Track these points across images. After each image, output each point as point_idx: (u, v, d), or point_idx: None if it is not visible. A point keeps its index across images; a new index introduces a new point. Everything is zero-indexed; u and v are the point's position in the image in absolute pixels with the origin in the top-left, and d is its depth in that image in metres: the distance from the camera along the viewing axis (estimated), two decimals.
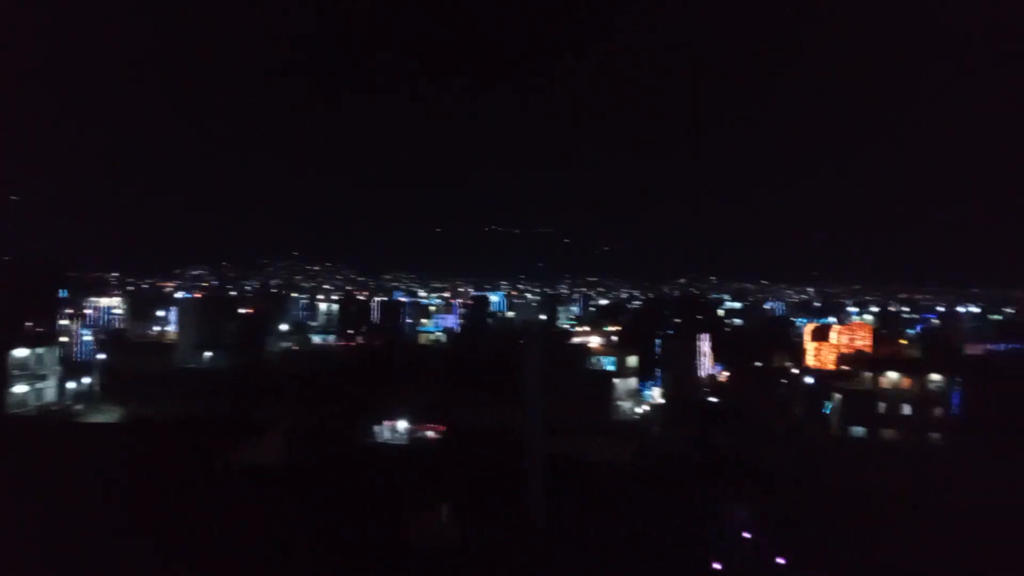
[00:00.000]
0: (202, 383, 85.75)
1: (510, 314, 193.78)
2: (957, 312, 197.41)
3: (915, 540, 32.37)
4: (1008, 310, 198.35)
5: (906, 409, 71.17)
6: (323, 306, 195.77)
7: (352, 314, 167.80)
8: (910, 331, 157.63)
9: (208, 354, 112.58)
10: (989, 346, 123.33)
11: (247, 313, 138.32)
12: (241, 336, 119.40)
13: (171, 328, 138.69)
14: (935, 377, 72.30)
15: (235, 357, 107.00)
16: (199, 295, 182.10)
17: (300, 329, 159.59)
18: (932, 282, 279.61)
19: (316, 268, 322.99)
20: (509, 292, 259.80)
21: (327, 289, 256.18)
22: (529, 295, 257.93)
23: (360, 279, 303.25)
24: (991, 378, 74.31)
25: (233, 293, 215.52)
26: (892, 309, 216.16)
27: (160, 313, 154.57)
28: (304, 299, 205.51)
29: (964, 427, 67.64)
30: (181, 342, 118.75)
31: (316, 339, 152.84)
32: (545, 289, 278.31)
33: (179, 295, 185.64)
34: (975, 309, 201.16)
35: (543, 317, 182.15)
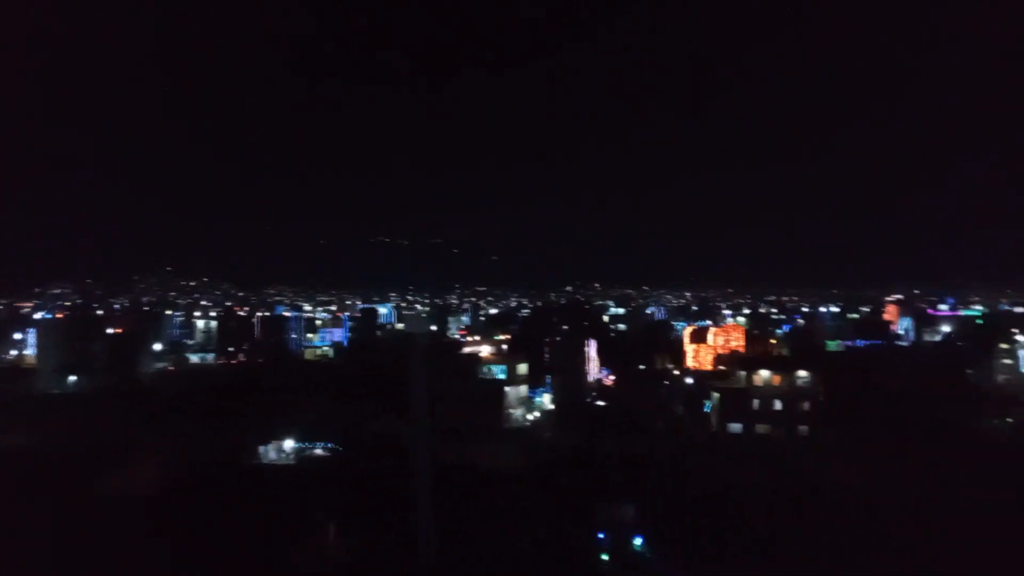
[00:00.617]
0: (66, 409, 79.68)
1: (400, 326, 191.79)
2: (819, 312, 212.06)
3: (787, 527, 34.37)
4: (864, 309, 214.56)
5: (777, 404, 75.55)
6: (200, 323, 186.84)
7: (232, 331, 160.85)
8: (779, 331, 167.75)
9: (73, 378, 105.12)
10: (848, 343, 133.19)
11: (116, 333, 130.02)
12: (109, 358, 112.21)
13: (30, 351, 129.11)
14: (802, 373, 77.19)
15: (103, 380, 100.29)
16: (61, 315, 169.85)
17: (176, 348, 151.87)
18: (797, 285, 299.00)
19: (192, 283, 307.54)
20: (398, 304, 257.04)
21: (205, 305, 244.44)
22: (419, 306, 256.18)
23: (240, 294, 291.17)
24: (850, 372, 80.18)
25: (99, 312, 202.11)
26: (762, 311, 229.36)
27: (17, 336, 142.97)
28: (179, 316, 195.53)
29: (828, 418, 72.58)
30: (41, 366, 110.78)
31: (194, 358, 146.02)
32: (435, 300, 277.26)
33: (38, 316, 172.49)
34: (835, 309, 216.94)
35: (433, 328, 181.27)
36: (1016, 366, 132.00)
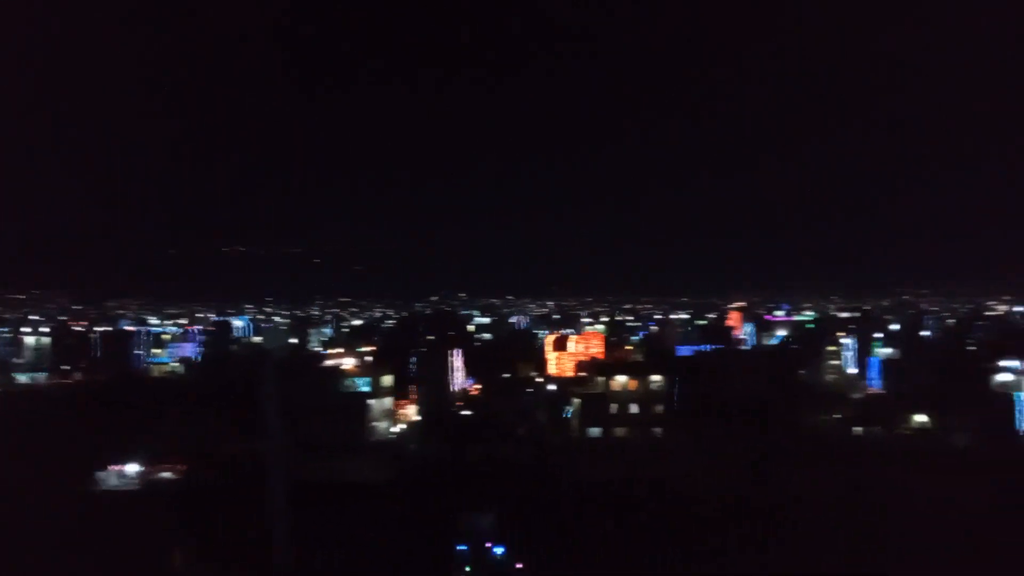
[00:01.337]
0: None
1: (257, 339, 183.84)
2: (670, 319, 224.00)
3: (644, 525, 35.99)
4: (710, 316, 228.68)
5: (634, 408, 78.92)
6: (30, 340, 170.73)
7: (68, 348, 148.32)
8: (634, 337, 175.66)
9: None
10: (697, 347, 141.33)
11: None
12: None
13: None
14: (655, 377, 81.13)
15: None
16: None
17: (1, 368, 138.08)
18: (651, 294, 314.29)
19: (21, 296, 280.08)
20: (255, 316, 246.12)
21: (35, 320, 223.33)
22: (278, 318, 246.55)
23: (77, 307, 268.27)
24: (698, 374, 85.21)
25: None
26: (619, 318, 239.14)
27: None
28: (5, 333, 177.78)
29: (680, 418, 76.70)
30: None
31: (22, 378, 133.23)
32: (295, 311, 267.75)
33: None
34: (684, 316, 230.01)
35: (293, 340, 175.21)
36: (842, 365, 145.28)
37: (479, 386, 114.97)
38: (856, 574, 32.99)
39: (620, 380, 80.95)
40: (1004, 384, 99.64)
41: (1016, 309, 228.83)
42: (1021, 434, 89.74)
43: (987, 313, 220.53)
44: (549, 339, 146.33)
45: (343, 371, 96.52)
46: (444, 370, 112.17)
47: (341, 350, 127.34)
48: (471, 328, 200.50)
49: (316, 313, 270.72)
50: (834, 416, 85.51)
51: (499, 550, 33.26)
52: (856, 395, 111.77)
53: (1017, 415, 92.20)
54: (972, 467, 55.64)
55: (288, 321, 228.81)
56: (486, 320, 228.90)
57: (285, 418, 46.59)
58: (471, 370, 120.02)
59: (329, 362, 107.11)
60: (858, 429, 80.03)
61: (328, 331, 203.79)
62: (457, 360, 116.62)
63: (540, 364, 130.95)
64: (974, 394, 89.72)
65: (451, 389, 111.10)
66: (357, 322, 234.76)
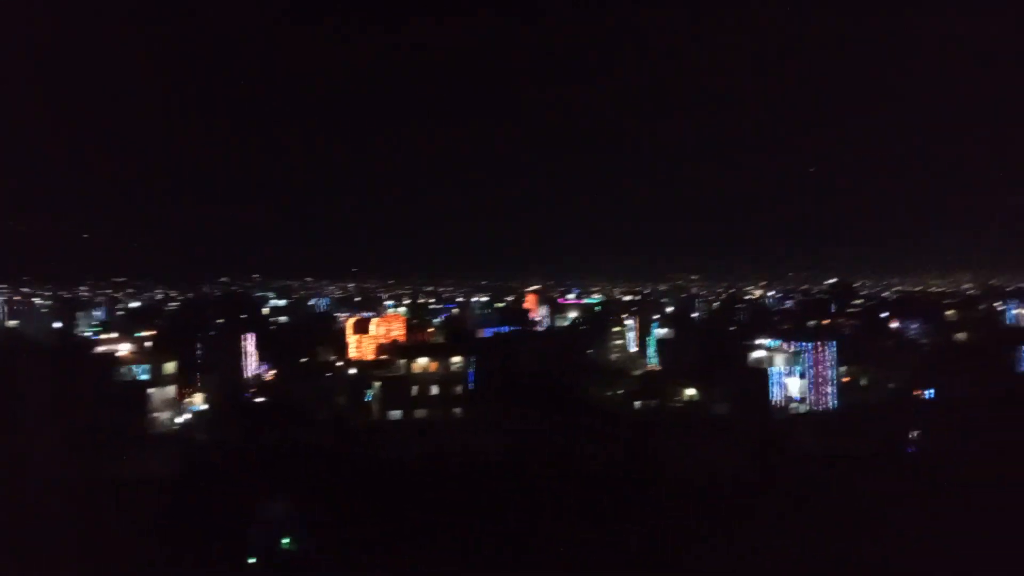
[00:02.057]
0: None
1: (13, 323, 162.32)
2: (470, 302, 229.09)
3: (446, 503, 36.60)
4: (508, 299, 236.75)
5: (434, 390, 79.86)
6: None
7: None
8: (436, 320, 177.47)
9: None
10: (495, 329, 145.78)
11: None
12: None
13: None
14: (456, 359, 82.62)
15: None
16: None
17: None
18: (452, 276, 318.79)
19: None
20: (11, 297, 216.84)
21: None
22: (38, 299, 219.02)
23: None
24: (496, 355, 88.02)
25: None
26: (421, 301, 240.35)
27: None
28: None
29: (479, 398, 78.85)
30: None
31: None
32: (60, 293, 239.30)
33: None
34: (484, 298, 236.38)
35: (58, 325, 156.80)
36: (625, 345, 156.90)
37: (274, 371, 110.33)
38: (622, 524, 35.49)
39: (421, 362, 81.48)
40: (759, 360, 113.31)
41: (770, 294, 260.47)
42: (773, 403, 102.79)
43: (746, 297, 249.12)
44: (349, 322, 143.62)
45: (117, 358, 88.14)
46: (235, 355, 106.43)
47: (116, 335, 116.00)
48: (266, 311, 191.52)
49: (85, 294, 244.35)
50: (618, 391, 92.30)
51: (288, 539, 32.37)
52: (637, 371, 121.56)
53: (770, 387, 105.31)
54: (729, 433, 62.74)
55: (51, 303, 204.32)
56: (282, 303, 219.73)
57: (46, 412, 41.76)
58: (265, 355, 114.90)
59: (101, 348, 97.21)
60: (637, 402, 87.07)
61: (100, 314, 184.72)
62: (250, 345, 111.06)
63: (340, 348, 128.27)
64: (734, 369, 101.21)
65: (243, 375, 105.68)
66: (135, 304, 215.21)
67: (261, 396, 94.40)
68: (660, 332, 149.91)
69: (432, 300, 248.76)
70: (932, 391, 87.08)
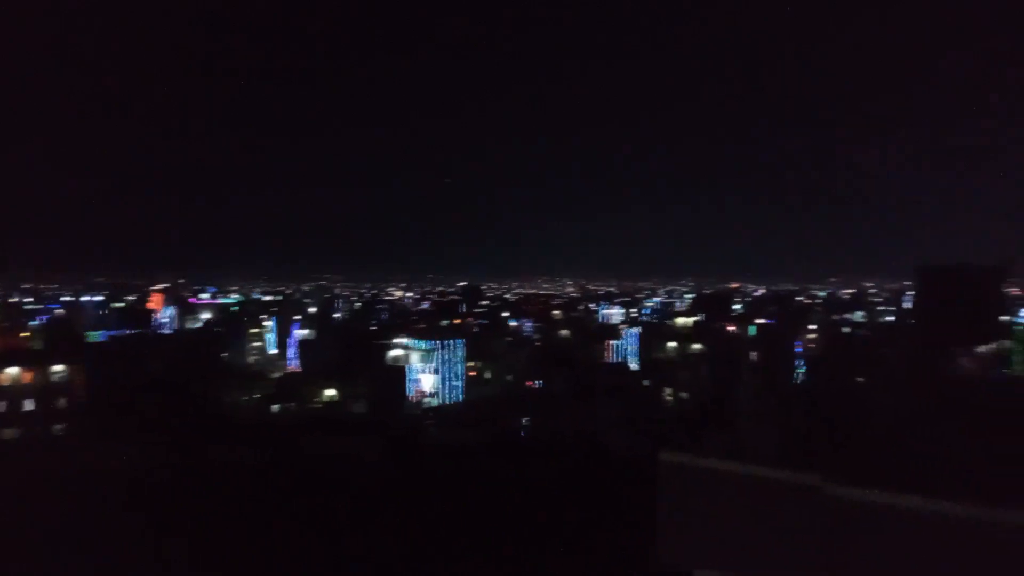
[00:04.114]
0: None
1: None
2: (81, 301, 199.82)
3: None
4: (130, 298, 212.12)
5: (29, 404, 68.39)
6: None
7: None
8: (33, 323, 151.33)
9: None
10: (112, 332, 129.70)
11: None
12: None
13: None
14: (58, 367, 71.73)
15: None
16: None
17: None
18: (63, 271, 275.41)
19: None
20: None
21: None
22: None
23: None
24: (112, 361, 78.53)
25: None
26: (15, 300, 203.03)
27: None
28: None
29: (89, 412, 69.51)
30: None
31: None
32: None
33: None
34: (100, 298, 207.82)
35: None
36: (264, 347, 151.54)
37: None
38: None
39: (11, 372, 69.15)
40: (397, 358, 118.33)
41: (409, 295, 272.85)
42: (408, 398, 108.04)
43: (386, 297, 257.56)
44: None
45: None
46: None
47: None
48: None
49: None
50: (254, 395, 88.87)
51: None
52: (276, 374, 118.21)
53: (406, 383, 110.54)
54: (364, 429, 64.64)
55: None
56: None
57: None
58: None
59: None
60: (276, 406, 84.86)
61: None
62: None
63: None
64: (372, 368, 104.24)
65: None
66: None
67: None
68: (301, 333, 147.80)
69: (30, 299, 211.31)
70: (540, 382, 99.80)
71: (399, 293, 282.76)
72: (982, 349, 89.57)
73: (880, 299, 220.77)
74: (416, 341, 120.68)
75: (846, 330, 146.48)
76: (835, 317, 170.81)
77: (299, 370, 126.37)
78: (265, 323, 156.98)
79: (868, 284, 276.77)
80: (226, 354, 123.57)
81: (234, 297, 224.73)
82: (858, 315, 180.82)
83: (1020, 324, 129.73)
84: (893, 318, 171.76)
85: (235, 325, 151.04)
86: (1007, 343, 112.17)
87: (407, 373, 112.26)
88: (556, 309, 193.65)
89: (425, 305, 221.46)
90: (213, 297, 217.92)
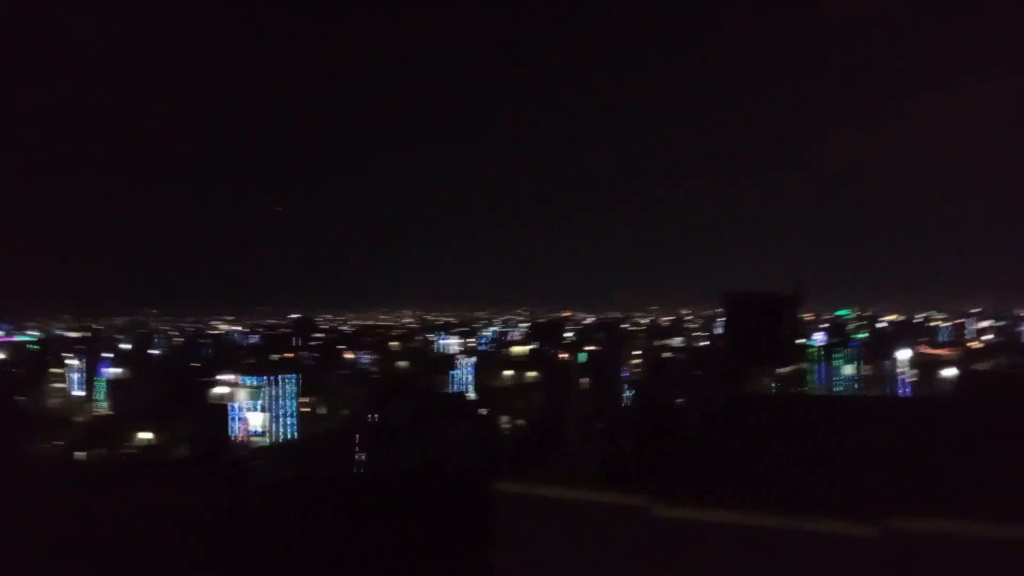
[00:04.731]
0: None
1: None
2: None
3: None
4: None
5: None
6: None
7: None
8: None
9: None
10: None
11: None
12: None
13: None
14: None
15: None
16: None
17: None
18: None
19: None
20: None
21: None
22: None
23: None
24: None
25: None
26: None
27: None
28: None
29: None
30: None
31: None
32: None
33: None
34: None
35: None
36: (68, 388, 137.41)
37: None
38: None
39: None
40: (222, 396, 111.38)
41: (236, 328, 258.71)
42: (234, 439, 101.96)
43: (211, 331, 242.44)
44: None
45: None
46: None
47: None
48: None
49: None
50: (55, 442, 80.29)
51: None
52: (82, 418, 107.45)
53: (232, 423, 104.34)
54: (182, 473, 60.18)
55: None
56: None
57: None
58: None
59: None
60: (81, 453, 77.10)
61: None
62: None
63: None
64: (194, 408, 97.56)
65: None
66: None
67: None
68: (112, 372, 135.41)
69: None
70: (377, 415, 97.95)
71: (225, 327, 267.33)
72: (782, 370, 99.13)
73: (696, 325, 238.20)
74: (244, 377, 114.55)
75: (667, 355, 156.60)
76: (656, 343, 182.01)
77: (110, 413, 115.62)
78: (70, 362, 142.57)
79: (685, 311, 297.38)
80: (22, 398, 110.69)
81: (33, 334, 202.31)
82: (677, 340, 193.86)
83: (813, 347, 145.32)
84: (707, 342, 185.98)
85: (33, 365, 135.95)
86: (803, 364, 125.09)
87: (233, 412, 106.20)
88: (394, 340, 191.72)
89: (254, 339, 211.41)
90: (8, 334, 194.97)
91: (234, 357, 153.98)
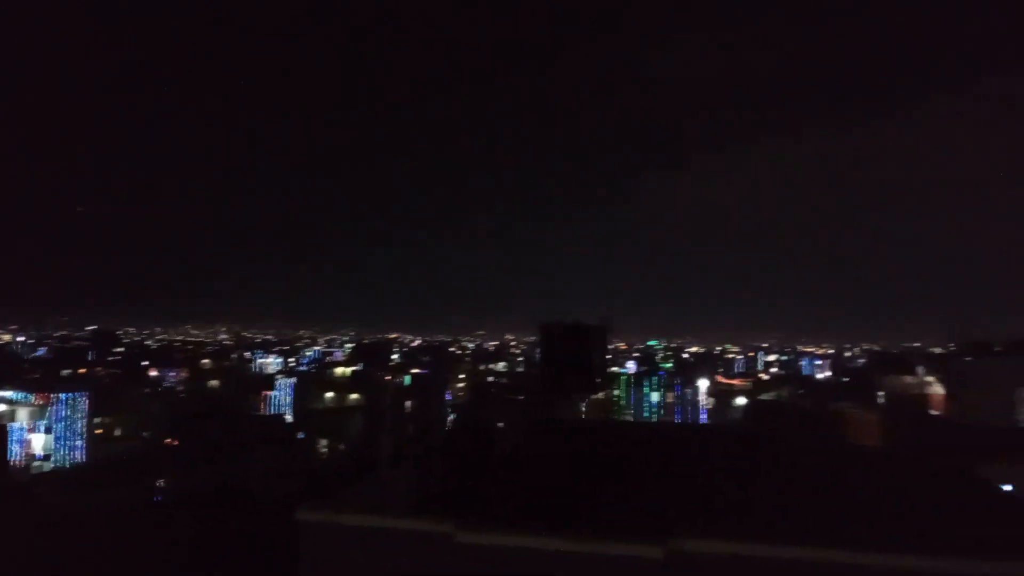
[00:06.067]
0: None
1: None
2: None
3: None
4: None
5: None
6: None
7: None
8: None
9: None
10: None
11: None
12: None
13: None
14: None
15: None
16: None
17: None
18: None
19: None
20: None
21: None
22: None
23: None
24: None
25: None
26: None
27: None
28: None
29: None
30: None
31: None
32: None
33: None
34: None
35: None
36: None
37: None
38: None
39: None
40: (0, 415, 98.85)
41: (20, 339, 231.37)
42: (12, 463, 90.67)
43: None
44: None
45: None
46: None
47: None
48: None
49: None
50: None
51: None
52: None
53: (9, 445, 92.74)
54: None
55: None
56: None
57: None
58: None
59: None
60: None
61: None
62: None
63: None
64: None
65: None
66: None
67: None
68: None
69: None
70: (182, 437, 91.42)
71: (8, 337, 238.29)
72: (595, 396, 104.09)
73: (519, 350, 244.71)
74: (26, 395, 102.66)
75: (490, 379, 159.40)
76: (481, 367, 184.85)
77: None
78: None
79: (510, 337, 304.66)
80: None
81: None
82: (500, 365, 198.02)
83: (624, 374, 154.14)
84: (527, 368, 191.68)
85: None
86: (615, 391, 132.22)
87: (12, 433, 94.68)
88: (206, 358, 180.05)
89: (42, 351, 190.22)
90: None
91: (17, 371, 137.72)
